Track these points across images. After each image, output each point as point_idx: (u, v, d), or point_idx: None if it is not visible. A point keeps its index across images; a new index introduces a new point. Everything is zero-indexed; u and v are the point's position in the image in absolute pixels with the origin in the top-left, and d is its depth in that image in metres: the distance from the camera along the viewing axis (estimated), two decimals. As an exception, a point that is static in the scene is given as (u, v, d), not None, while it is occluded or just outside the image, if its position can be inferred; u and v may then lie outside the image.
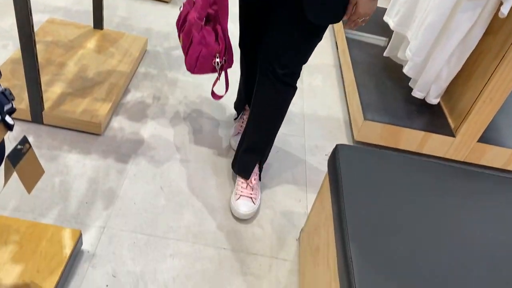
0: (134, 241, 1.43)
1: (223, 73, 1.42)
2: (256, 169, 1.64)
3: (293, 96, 1.47)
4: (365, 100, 2.03)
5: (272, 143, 1.63)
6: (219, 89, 1.83)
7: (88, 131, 1.77)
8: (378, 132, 1.96)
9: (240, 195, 1.60)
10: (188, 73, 2.23)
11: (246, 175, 1.62)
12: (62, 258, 1.26)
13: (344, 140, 2.07)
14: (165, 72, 2.20)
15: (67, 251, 1.28)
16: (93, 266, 1.35)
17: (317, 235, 1.32)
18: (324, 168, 1.88)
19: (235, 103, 1.91)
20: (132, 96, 2.01)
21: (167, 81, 2.15)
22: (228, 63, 1.41)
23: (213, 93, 1.51)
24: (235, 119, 1.93)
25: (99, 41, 2.15)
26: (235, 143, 1.84)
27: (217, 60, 1.38)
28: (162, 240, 1.45)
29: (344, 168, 1.21)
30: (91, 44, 2.12)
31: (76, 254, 1.34)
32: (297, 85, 1.46)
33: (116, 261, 1.37)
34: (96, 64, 2.01)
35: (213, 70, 1.42)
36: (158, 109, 1.97)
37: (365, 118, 1.93)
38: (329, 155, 1.44)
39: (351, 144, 2.06)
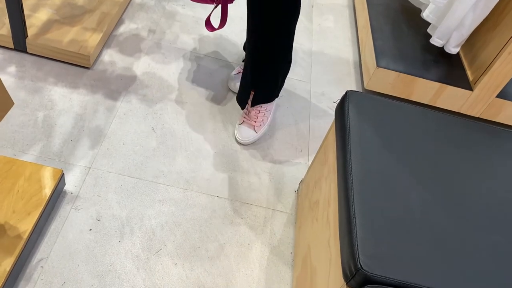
0: (121, 184, 1.34)
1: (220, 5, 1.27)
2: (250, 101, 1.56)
3: (295, 13, 1.32)
4: (379, 46, 1.87)
5: (271, 71, 1.47)
6: (217, 21, 1.67)
7: (76, 64, 1.63)
8: (390, 81, 1.81)
9: (243, 121, 1.57)
10: (188, 5, 2.05)
11: (240, 104, 1.57)
12: (41, 198, 1.17)
13: (353, 87, 1.93)
14: (163, 3, 2.02)
15: (47, 191, 1.18)
16: (76, 208, 1.26)
17: (317, 188, 1.22)
18: (329, 118, 1.76)
19: (244, 43, 1.75)
20: (126, 28, 1.85)
21: (165, 13, 1.97)
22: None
23: (207, 22, 1.37)
24: (243, 60, 1.78)
25: (92, -36, 1.96)
26: (232, 83, 1.71)
27: None
28: (151, 185, 1.36)
29: (353, 116, 1.08)
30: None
31: (58, 195, 1.25)
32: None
33: (101, 204, 1.28)
34: (87, -10, 1.83)
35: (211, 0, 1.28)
36: (154, 44, 1.82)
37: (378, 65, 1.78)
38: (337, 102, 1.31)
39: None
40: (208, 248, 1.26)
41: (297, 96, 1.81)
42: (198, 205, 1.35)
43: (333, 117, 1.75)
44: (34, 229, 1.12)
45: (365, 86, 1.85)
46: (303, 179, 1.43)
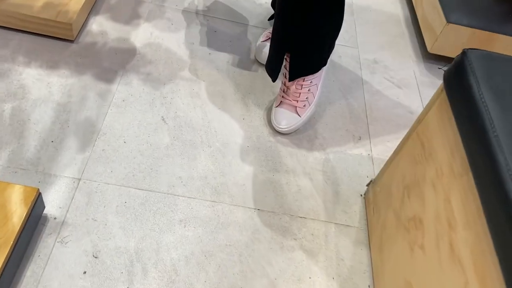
0: (125, 200, 0.95)
1: None
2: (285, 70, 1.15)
3: None
4: (444, -4, 1.45)
5: (317, 23, 1.05)
6: None
7: (55, 36, 1.22)
8: (463, 41, 1.40)
9: (281, 101, 1.18)
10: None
11: (272, 75, 1.17)
12: (7, 233, 0.78)
13: (410, 52, 1.52)
14: (163, -43, 1.59)
15: (16, 221, 0.80)
16: (62, 241, 0.88)
17: (415, 198, 0.83)
18: (389, 91, 1.36)
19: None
20: (118, -12, 1.43)
21: (166, -32, 1.55)
22: None
23: None
24: (269, 19, 1.37)
25: None
26: (260, 53, 1.30)
27: None
28: (166, 198, 0.97)
29: (487, 87, 0.69)
30: None
31: (35, 224, 0.87)
32: None
33: (99, 232, 0.90)
34: None
35: None
36: (155, 6, 1.40)
37: (448, 21, 1.37)
38: (446, 67, 0.91)
39: (421, 58, 1.51)
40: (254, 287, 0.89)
41: (344, 66, 1.40)
42: (233, 223, 0.97)
43: (397, 90, 1.35)
44: (0, 278, 0.74)
45: (428, 49, 1.44)
46: (374, 180, 1.04)
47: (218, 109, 1.18)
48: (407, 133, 0.91)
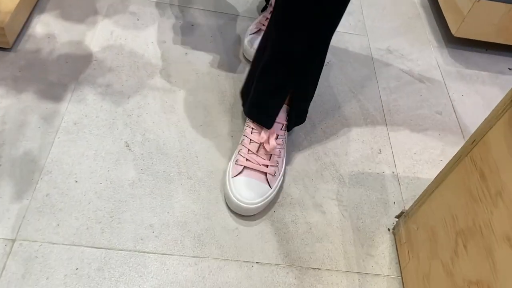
0: (77, 267, 0.70)
1: None
2: (283, 115, 0.85)
3: None
4: (469, -34, 1.19)
5: (316, 71, 0.83)
6: None
7: (-15, 44, 0.96)
8: (495, 21, 1.15)
9: (244, 166, 0.81)
10: None
11: (266, 121, 0.82)
12: None
13: (430, 36, 1.26)
14: None
15: None
16: (-14, 336, 0.63)
17: (478, 250, 0.58)
18: (411, 87, 1.11)
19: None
20: (69, -22, 1.16)
21: (130, -49, 1.28)
22: None
23: None
24: (262, 10, 1.12)
25: None
26: (250, 49, 1.04)
27: None
28: (133, 258, 0.73)
29: None
30: None
31: None
32: None
33: (40, 316, 0.65)
34: None
35: None
36: (116, 0, 1.14)
37: (478, -4, 1.11)
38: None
39: (444, 44, 1.25)
40: None
41: (352, 59, 1.15)
42: (225, 286, 0.72)
43: (419, 85, 1.10)
44: None
45: (453, 33, 1.19)
46: (406, 212, 0.80)
47: (199, 125, 0.93)
48: (456, 155, 0.66)
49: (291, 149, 0.93)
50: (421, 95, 1.10)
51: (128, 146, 0.86)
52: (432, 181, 0.72)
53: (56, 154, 0.82)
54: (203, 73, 1.03)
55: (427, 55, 1.21)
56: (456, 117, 1.07)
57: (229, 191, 0.79)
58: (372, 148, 0.97)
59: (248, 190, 0.78)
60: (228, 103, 0.98)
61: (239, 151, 0.83)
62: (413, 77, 1.14)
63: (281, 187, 0.85)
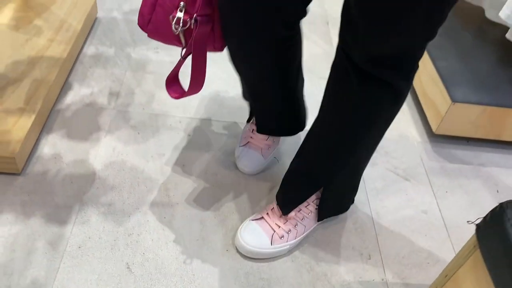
0: None
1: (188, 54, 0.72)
2: (311, 207, 0.99)
3: (396, 106, 0.82)
4: (444, 69, 1.29)
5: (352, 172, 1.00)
6: (187, 80, 1.12)
7: (-3, 170, 1.04)
8: (472, 119, 1.23)
9: (255, 219, 0.98)
10: (163, 48, 1.47)
11: (283, 209, 0.97)
12: None
13: (414, 133, 1.34)
14: (127, 50, 1.44)
15: None
16: None
17: None
18: (397, 187, 1.17)
19: (242, 91, 1.16)
20: (75, 96, 1.26)
21: (131, 64, 1.39)
22: (203, 26, 0.73)
23: (168, 83, 0.83)
24: (248, 121, 1.19)
25: (18, 10, 1.38)
26: (240, 161, 1.12)
27: (179, 14, 0.73)
28: None
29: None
30: (4, 15, 1.35)
31: None
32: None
33: None
34: (11, 48, 1.25)
35: (176, 38, 0.74)
36: (118, 113, 1.23)
37: (453, 100, 1.19)
38: (477, 222, 0.73)
39: (427, 139, 1.33)
40: None
41: (340, 160, 1.21)
42: None
43: (405, 183, 1.16)
44: None
45: (434, 131, 1.27)
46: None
47: (195, 240, 0.98)
48: (434, 283, 0.71)
49: (285, 259, 0.98)
50: (406, 194, 1.16)
51: (129, 268, 0.91)
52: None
53: (62, 282, 0.87)
54: (200, 183, 1.09)
55: (411, 151, 1.28)
56: (441, 215, 1.12)
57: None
58: (362, 254, 1.01)
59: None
60: (223, 215, 1.04)
61: None
62: (398, 175, 1.21)
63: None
